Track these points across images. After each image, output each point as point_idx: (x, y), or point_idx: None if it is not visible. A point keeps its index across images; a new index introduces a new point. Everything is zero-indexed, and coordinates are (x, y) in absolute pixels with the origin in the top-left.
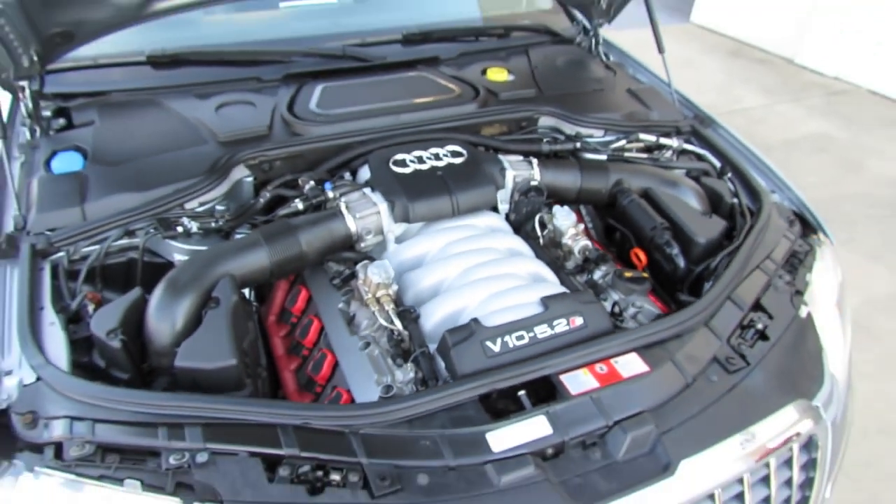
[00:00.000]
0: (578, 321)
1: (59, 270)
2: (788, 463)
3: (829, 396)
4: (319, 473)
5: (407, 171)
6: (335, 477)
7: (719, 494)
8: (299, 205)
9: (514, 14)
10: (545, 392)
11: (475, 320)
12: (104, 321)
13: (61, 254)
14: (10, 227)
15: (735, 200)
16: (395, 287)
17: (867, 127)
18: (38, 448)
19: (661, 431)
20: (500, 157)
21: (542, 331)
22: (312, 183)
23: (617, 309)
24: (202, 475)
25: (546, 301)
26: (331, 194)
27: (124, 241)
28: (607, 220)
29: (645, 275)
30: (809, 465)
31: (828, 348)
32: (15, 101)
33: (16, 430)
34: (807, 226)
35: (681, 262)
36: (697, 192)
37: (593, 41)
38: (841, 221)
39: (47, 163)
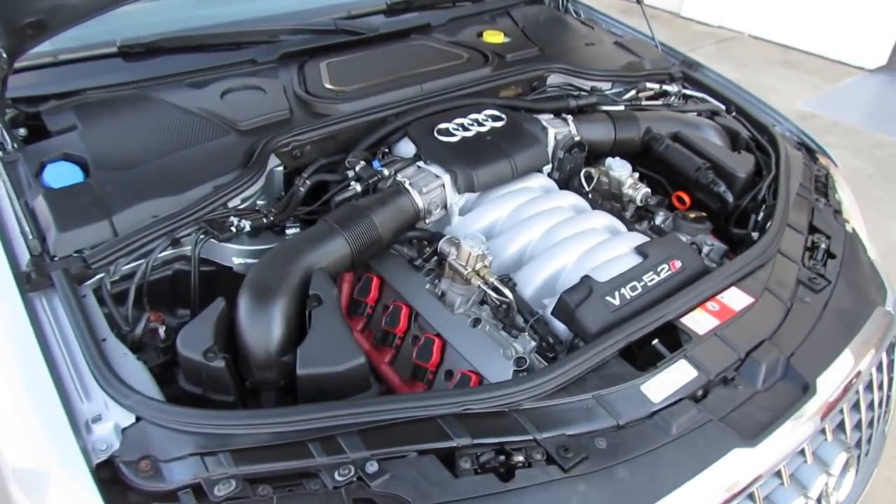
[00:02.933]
0: (678, 264)
1: (103, 294)
2: (879, 367)
3: (895, 302)
4: (502, 458)
5: (454, 139)
6: (519, 458)
7: (847, 406)
8: (357, 187)
9: None
10: (669, 337)
11: (588, 277)
12: (196, 340)
13: (100, 275)
14: (24, 255)
15: (748, 135)
16: (490, 258)
17: (758, 68)
18: (168, 496)
19: (787, 355)
20: (538, 116)
21: (650, 278)
22: (363, 163)
23: (696, 248)
24: (380, 486)
25: (642, 249)
26: (385, 172)
27: (169, 252)
28: (636, 169)
29: (704, 214)
30: (890, 367)
31: (876, 258)
32: None
33: (131, 482)
34: (810, 152)
35: (730, 198)
36: (719, 132)
37: (564, 1)
38: None
39: (37, 178)
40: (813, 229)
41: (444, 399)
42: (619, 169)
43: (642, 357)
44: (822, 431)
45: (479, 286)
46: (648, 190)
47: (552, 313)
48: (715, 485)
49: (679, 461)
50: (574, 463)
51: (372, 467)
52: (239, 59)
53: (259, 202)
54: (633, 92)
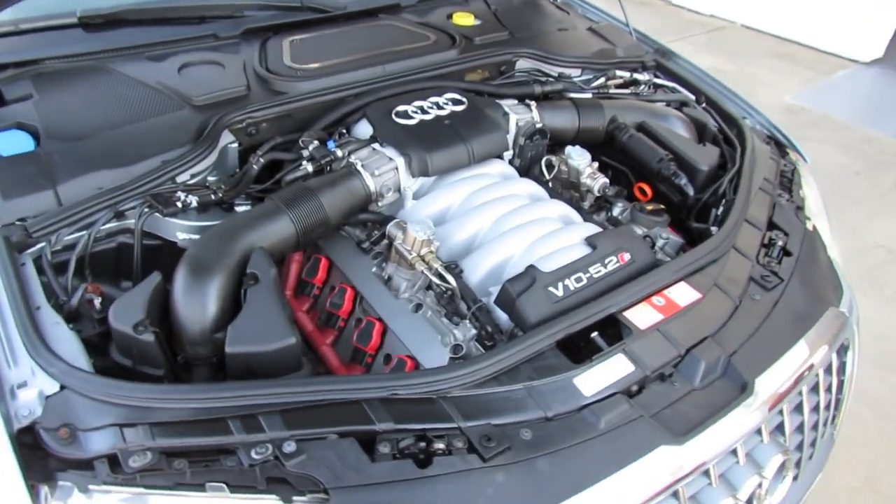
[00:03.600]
0: (627, 257)
1: (43, 264)
2: (828, 369)
3: (850, 302)
4: (422, 444)
5: (412, 122)
6: (439, 445)
7: (787, 408)
8: (309, 167)
9: None
10: (611, 330)
11: (532, 267)
12: (127, 313)
13: (41, 245)
14: None
15: (716, 127)
16: (437, 243)
17: (749, 59)
18: (84, 465)
19: (728, 354)
20: (500, 101)
21: (596, 270)
22: (317, 143)
23: (649, 241)
24: (295, 465)
25: (592, 240)
26: (339, 153)
27: (113, 224)
28: (600, 159)
29: (662, 206)
30: (841, 369)
31: (836, 258)
32: None
33: (50, 449)
34: (780, 147)
35: (690, 191)
36: (686, 123)
37: None
38: None
39: None
40: (772, 225)
41: (371, 383)
42: (578, 158)
43: (583, 350)
44: (759, 432)
45: (422, 272)
46: (606, 180)
47: (495, 302)
48: (637, 481)
49: (603, 456)
50: (495, 453)
51: (289, 447)
52: (201, 34)
53: (210, 178)
54: (602, 80)
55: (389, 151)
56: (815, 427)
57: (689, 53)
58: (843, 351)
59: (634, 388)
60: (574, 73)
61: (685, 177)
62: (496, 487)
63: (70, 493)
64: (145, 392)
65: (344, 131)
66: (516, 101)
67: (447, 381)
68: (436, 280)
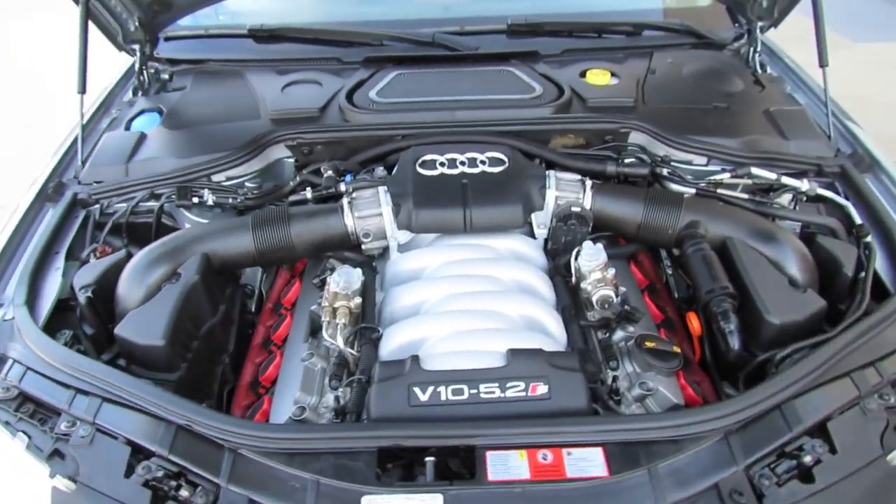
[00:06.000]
0: (541, 390)
1: (88, 221)
2: None
3: None
4: (173, 483)
5: (433, 173)
6: (184, 493)
7: None
8: (308, 194)
9: (668, 9)
10: (466, 467)
11: (414, 358)
12: (84, 276)
13: (96, 206)
14: (71, 174)
15: (861, 274)
16: (357, 300)
17: None
18: None
19: None
20: (550, 173)
21: (488, 390)
22: (331, 172)
23: (616, 385)
24: (75, 449)
25: (511, 355)
26: (342, 187)
27: (151, 203)
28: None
29: (677, 349)
30: None
31: None
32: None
33: None
34: None
35: (734, 343)
36: (801, 255)
37: (751, 48)
38: None
39: (130, 120)
40: (821, 431)
41: (178, 407)
42: (588, 257)
43: (409, 471)
44: None
45: (326, 322)
46: (611, 293)
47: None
48: None
49: None
50: None
51: (83, 431)
52: (328, 56)
53: (248, 184)
54: (725, 175)
55: (385, 198)
56: None
57: None
58: None
59: None
60: (698, 160)
61: (735, 323)
62: None
63: None
64: (36, 341)
65: (381, 168)
66: (577, 177)
67: (241, 436)
68: (327, 338)
